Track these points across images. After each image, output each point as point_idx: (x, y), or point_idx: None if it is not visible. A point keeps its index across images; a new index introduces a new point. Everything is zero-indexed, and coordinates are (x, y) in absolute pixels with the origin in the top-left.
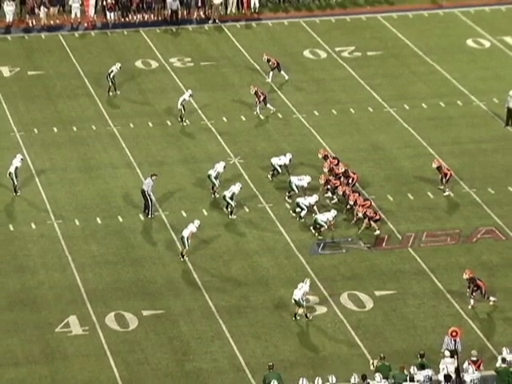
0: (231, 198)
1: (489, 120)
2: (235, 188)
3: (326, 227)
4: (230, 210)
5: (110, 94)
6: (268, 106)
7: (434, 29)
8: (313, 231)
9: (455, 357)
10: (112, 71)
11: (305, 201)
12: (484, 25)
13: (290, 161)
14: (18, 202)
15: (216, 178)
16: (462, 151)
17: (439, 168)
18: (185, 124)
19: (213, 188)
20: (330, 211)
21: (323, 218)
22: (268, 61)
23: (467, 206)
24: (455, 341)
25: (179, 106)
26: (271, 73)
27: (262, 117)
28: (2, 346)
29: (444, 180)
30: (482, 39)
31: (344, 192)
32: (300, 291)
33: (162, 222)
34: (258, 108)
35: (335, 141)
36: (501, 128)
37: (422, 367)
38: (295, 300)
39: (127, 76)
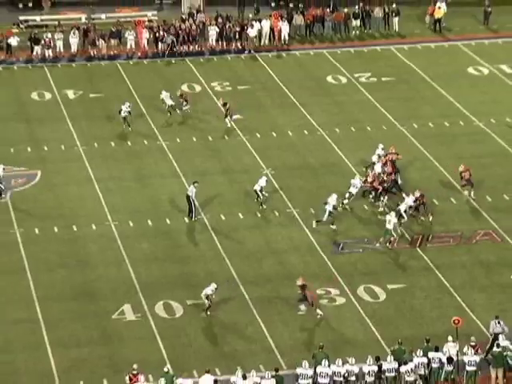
0: (261, 191)
1: (487, 138)
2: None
3: (406, 218)
4: (260, 201)
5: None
6: (234, 117)
7: (440, 58)
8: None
9: (457, 342)
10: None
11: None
12: (483, 55)
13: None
14: (81, 206)
15: (261, 191)
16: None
17: (464, 172)
18: (129, 130)
19: (257, 199)
20: (408, 196)
21: (402, 206)
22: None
23: (468, 211)
24: (456, 329)
25: (123, 114)
26: (227, 119)
27: (290, 133)
28: (67, 330)
29: (467, 182)
30: (481, 67)
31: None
32: (204, 290)
33: (204, 225)
34: (227, 119)
35: (353, 154)
36: (498, 144)
37: (436, 350)
38: (201, 296)
39: (175, 99)
